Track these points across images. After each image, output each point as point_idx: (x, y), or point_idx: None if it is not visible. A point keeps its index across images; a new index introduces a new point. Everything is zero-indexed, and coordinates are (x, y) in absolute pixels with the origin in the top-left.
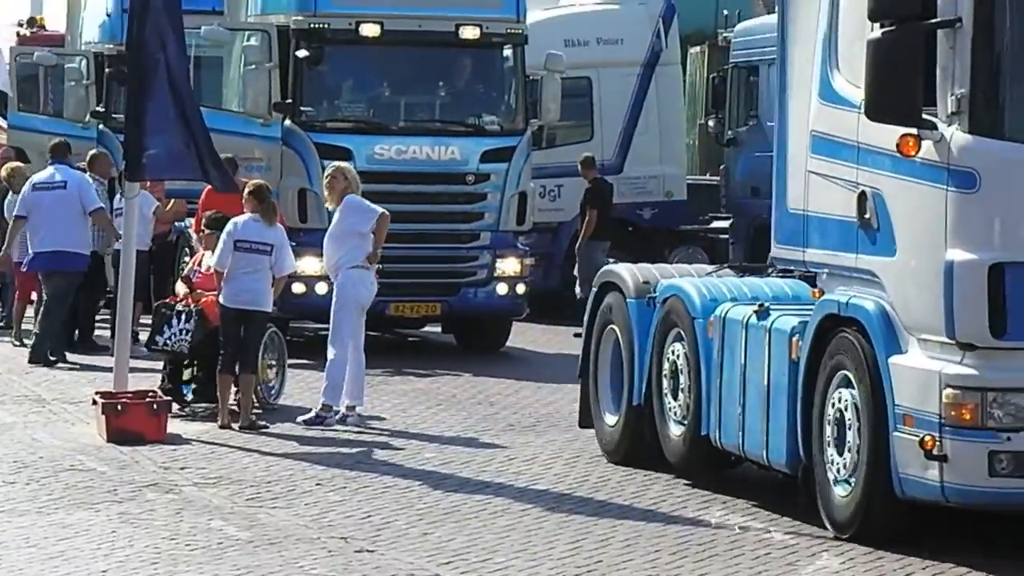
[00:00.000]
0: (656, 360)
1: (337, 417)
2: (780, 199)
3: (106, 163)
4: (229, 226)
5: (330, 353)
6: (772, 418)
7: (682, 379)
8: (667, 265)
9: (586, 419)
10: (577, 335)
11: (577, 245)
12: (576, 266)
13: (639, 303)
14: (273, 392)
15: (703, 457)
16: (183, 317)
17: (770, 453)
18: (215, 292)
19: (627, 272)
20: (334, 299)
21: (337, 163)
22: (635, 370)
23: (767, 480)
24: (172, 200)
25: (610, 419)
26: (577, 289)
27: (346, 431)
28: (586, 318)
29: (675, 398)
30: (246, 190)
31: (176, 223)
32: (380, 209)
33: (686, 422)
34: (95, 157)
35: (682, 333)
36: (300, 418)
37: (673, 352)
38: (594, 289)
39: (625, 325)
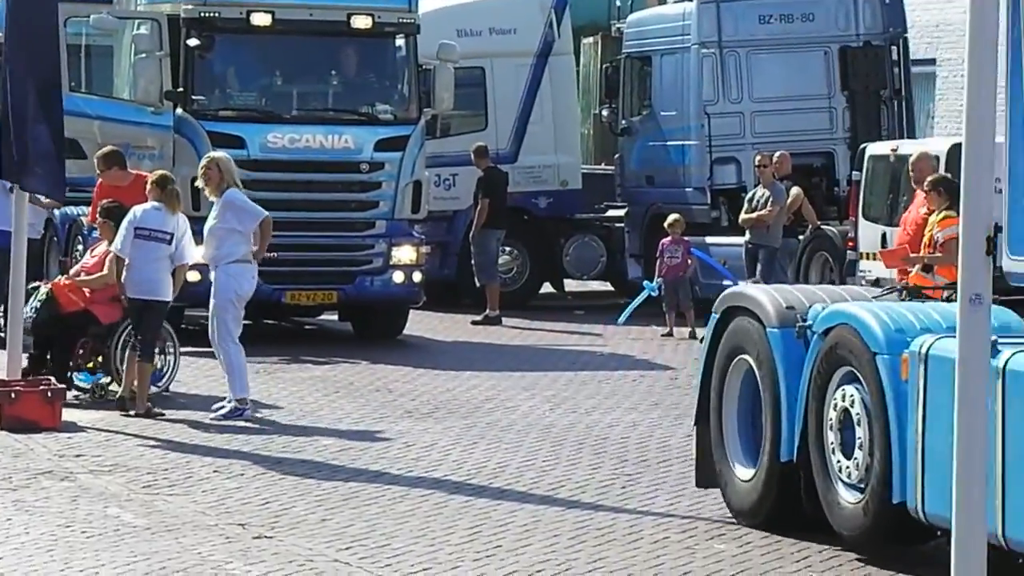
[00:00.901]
0: (815, 406)
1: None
2: (1018, 200)
3: None
4: (130, 214)
5: (223, 349)
6: (1010, 488)
7: (858, 432)
8: (813, 287)
9: (706, 475)
10: (475, 323)
11: (471, 233)
12: (472, 254)
13: (785, 333)
14: (165, 379)
15: (893, 530)
16: (33, 296)
17: (1008, 530)
18: (95, 278)
19: (764, 295)
20: (213, 294)
21: (211, 153)
22: (782, 418)
23: (670, 473)
24: None
25: (743, 473)
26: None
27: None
28: (703, 348)
29: (846, 455)
30: (150, 179)
31: (69, 210)
32: (263, 212)
33: (866, 486)
34: None
35: (857, 373)
36: (215, 413)
37: (843, 397)
38: (715, 315)
39: (766, 360)
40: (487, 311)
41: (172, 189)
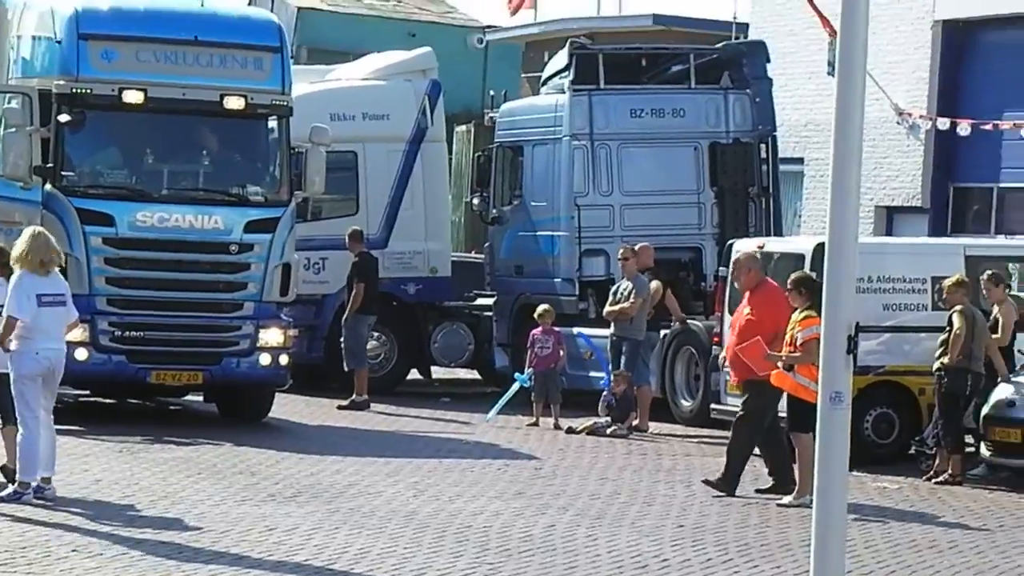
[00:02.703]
0: None
1: (32, 489)
2: None
3: None
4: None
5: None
6: None
7: None
8: None
9: None
10: (342, 407)
11: (344, 318)
12: (343, 339)
13: None
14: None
15: None
16: None
17: None
18: None
19: None
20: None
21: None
22: None
23: None
24: None
25: None
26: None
27: (96, 497)
28: None
29: None
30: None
31: None
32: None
33: None
34: None
35: None
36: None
37: None
38: None
39: None
40: (354, 396)
41: (3, 261)
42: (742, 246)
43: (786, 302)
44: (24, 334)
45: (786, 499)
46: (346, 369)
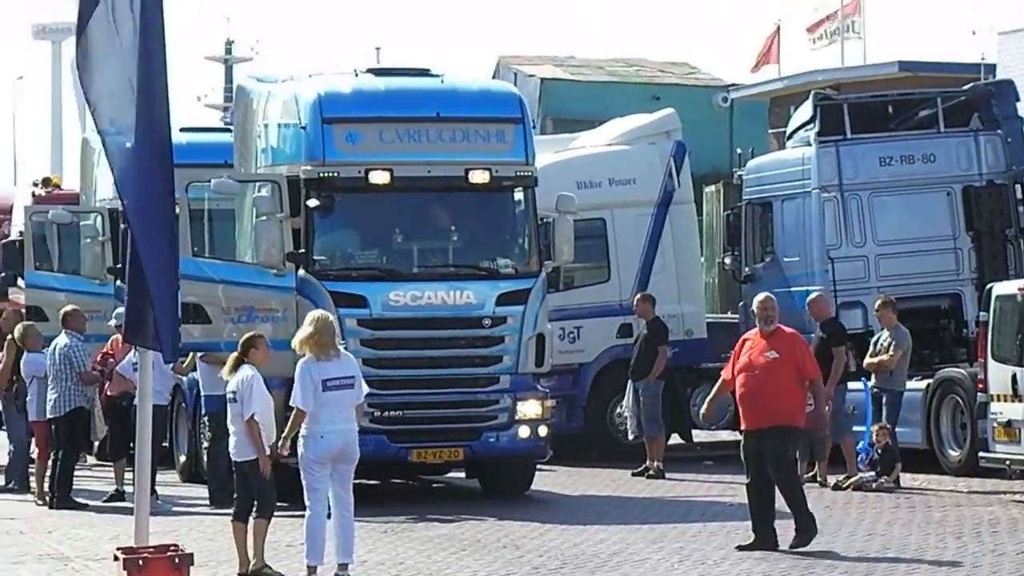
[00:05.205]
0: None
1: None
2: None
3: (78, 318)
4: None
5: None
6: None
7: None
8: None
9: None
10: (636, 474)
11: (644, 382)
12: (631, 405)
13: None
14: None
15: None
16: None
17: None
18: None
19: None
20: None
21: None
22: None
23: None
24: (189, 354)
25: None
26: (633, 430)
27: None
28: None
29: None
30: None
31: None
32: None
33: None
34: (67, 314)
35: None
36: None
37: None
38: None
39: None
40: (657, 463)
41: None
42: (1002, 289)
43: None
44: (307, 420)
45: None
46: (638, 437)
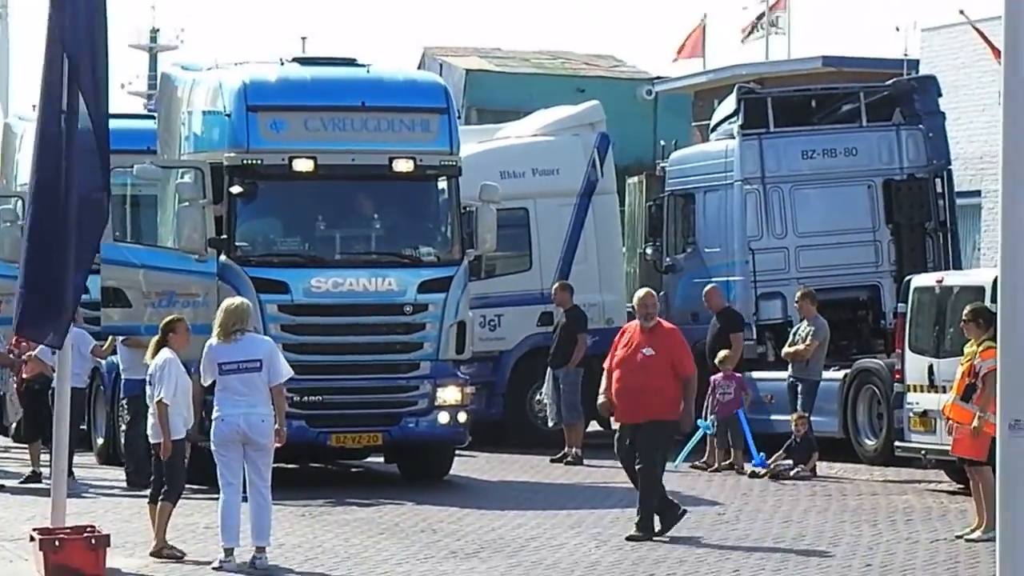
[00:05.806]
0: None
1: (253, 558)
2: None
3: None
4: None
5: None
6: None
7: None
8: None
9: None
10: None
11: (561, 371)
12: (551, 392)
13: None
14: None
15: None
16: None
17: None
18: None
19: None
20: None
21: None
22: None
23: None
24: (109, 337)
25: None
26: (552, 417)
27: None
28: None
29: None
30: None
31: (114, 359)
32: None
33: None
34: None
35: None
36: None
37: None
38: None
39: None
40: (574, 450)
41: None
42: (920, 281)
43: None
44: (215, 404)
45: (975, 534)
46: (557, 424)
